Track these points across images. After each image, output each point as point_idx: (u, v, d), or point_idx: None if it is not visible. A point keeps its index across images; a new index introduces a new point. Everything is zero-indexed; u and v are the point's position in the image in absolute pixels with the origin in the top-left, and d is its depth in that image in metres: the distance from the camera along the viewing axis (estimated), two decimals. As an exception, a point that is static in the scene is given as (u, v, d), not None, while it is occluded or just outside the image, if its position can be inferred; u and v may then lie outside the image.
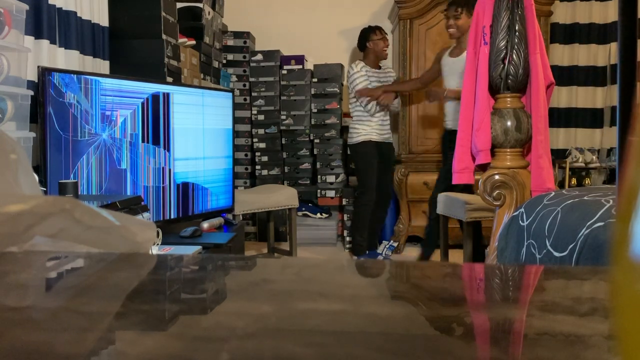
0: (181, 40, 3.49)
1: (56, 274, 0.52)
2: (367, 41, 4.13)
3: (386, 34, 4.27)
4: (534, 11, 2.57)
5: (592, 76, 5.10)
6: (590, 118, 5.13)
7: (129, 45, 3.10)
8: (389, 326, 0.35)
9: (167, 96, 2.79)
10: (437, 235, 3.59)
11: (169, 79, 3.14)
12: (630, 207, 0.16)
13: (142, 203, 2.01)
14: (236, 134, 4.54)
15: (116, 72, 2.95)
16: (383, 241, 4.28)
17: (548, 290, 0.45)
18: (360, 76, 4.01)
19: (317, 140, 4.70)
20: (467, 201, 3.26)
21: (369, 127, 4.01)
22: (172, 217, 2.87)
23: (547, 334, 0.32)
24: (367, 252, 4.09)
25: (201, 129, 3.05)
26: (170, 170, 2.83)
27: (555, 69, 4.69)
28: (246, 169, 4.82)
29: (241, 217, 3.92)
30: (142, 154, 2.66)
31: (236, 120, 4.31)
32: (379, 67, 4.20)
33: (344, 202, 4.66)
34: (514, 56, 2.55)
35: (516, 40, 2.54)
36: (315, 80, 4.72)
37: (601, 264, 1.35)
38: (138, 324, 0.35)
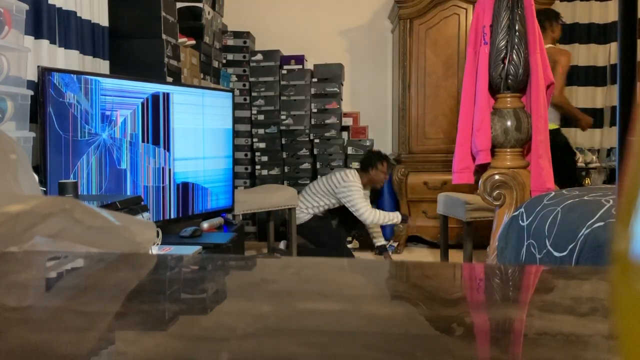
0: (181, 40, 3.49)
1: (56, 274, 0.52)
2: (372, 167, 4.11)
3: (389, 167, 4.24)
4: (534, 11, 2.57)
5: (592, 76, 5.10)
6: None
7: (129, 45, 3.10)
8: (389, 326, 0.35)
9: (167, 96, 2.79)
10: None
11: (169, 79, 3.14)
12: (630, 207, 0.16)
13: (142, 203, 2.01)
14: (236, 134, 4.54)
15: (116, 72, 2.95)
16: (383, 241, 4.28)
17: (548, 290, 0.45)
18: (359, 189, 3.98)
19: (317, 140, 4.70)
20: (467, 201, 3.26)
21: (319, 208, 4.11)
22: (172, 217, 2.87)
23: (547, 334, 0.32)
24: None
25: (201, 129, 3.05)
26: (170, 170, 2.83)
27: (555, 68, 4.68)
28: (246, 169, 4.82)
29: (241, 217, 3.92)
30: (142, 154, 2.66)
31: (236, 120, 4.31)
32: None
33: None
34: (514, 56, 2.55)
35: (516, 40, 2.54)
36: (315, 80, 4.71)
37: (601, 263, 1.35)
38: (138, 324, 0.35)
